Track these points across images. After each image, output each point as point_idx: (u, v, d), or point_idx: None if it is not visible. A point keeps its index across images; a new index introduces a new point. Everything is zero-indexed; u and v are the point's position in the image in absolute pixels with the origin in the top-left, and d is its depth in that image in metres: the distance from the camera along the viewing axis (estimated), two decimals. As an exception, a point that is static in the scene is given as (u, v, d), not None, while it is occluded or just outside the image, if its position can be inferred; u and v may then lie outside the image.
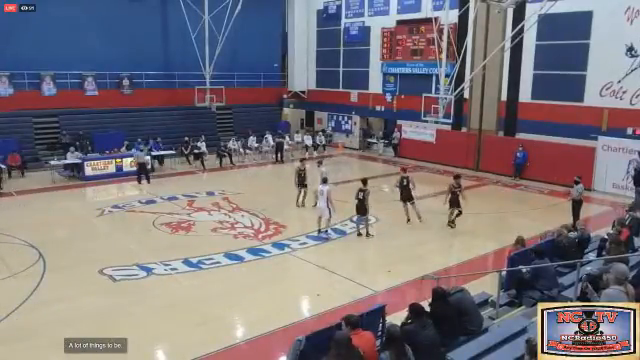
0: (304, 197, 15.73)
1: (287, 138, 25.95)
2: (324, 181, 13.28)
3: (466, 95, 21.64)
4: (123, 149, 21.34)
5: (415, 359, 5.09)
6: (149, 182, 18.89)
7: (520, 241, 9.45)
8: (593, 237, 10.34)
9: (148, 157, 19.99)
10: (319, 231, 13.15)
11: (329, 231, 13.31)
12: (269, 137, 25.07)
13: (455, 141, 22.64)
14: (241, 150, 23.84)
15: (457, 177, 13.92)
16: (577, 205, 13.51)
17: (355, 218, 13.37)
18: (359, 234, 13.19)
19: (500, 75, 20.72)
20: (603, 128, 18.03)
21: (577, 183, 13.70)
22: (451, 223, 13.68)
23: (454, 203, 13.49)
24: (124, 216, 14.98)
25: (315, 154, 25.35)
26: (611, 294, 5.33)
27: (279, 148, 23.98)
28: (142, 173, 18.97)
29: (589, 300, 5.93)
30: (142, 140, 21.59)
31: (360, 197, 12.76)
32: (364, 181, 13.22)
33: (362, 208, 12.82)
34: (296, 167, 15.99)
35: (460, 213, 13.60)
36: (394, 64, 25.22)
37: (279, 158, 23.84)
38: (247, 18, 24.89)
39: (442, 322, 5.84)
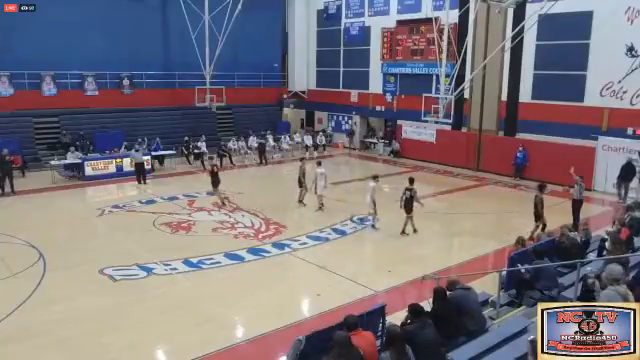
0: (303, 196, 15.90)
1: (287, 138, 25.96)
2: (374, 178, 13.80)
3: (466, 95, 21.65)
4: (122, 149, 21.34)
5: (415, 359, 5.09)
6: (144, 182, 18.91)
7: (520, 241, 9.46)
8: (593, 237, 10.35)
9: (146, 157, 20.01)
10: (372, 226, 13.68)
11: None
12: (269, 137, 25.04)
13: (455, 141, 22.64)
14: (242, 150, 23.79)
15: (543, 187, 12.72)
16: (577, 205, 13.49)
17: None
18: (403, 232, 13.26)
19: (500, 75, 20.72)
20: (603, 128, 18.04)
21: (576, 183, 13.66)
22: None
23: (538, 217, 12.42)
24: (124, 216, 14.97)
25: (315, 154, 25.36)
26: (608, 295, 5.34)
27: (262, 150, 23.38)
28: (139, 173, 19.02)
29: (594, 298, 5.92)
30: (141, 140, 21.61)
31: (408, 196, 12.98)
32: (411, 180, 13.36)
33: (408, 207, 13.02)
34: (299, 167, 16.21)
35: (545, 226, 12.44)
36: (394, 64, 25.21)
37: (263, 160, 23.18)
38: (247, 18, 24.87)
39: (442, 322, 5.84)
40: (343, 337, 4.92)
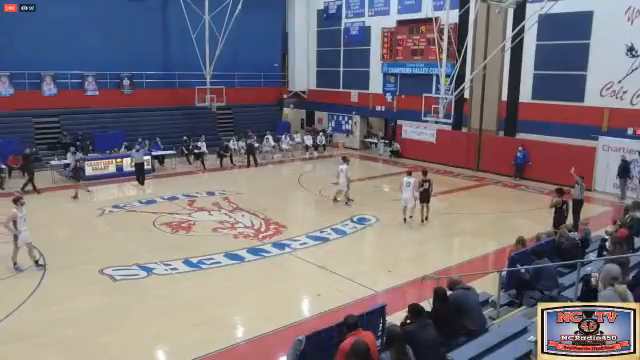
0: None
1: (287, 138, 25.94)
2: (409, 174, 14.30)
3: (466, 95, 21.64)
4: (122, 150, 21.32)
5: (415, 359, 5.09)
6: (142, 183, 18.82)
7: (521, 241, 9.44)
8: (593, 237, 10.35)
9: (147, 157, 20.00)
10: (405, 220, 13.98)
11: (412, 218, 14.04)
12: (269, 137, 25.06)
13: (455, 141, 22.64)
14: (242, 150, 23.77)
15: (560, 192, 12.27)
16: (578, 205, 13.48)
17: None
18: (423, 221, 14.08)
19: (500, 75, 20.72)
20: (603, 128, 18.03)
21: (577, 184, 13.70)
22: None
23: (560, 222, 11.70)
24: (124, 216, 14.97)
25: (315, 154, 25.39)
26: (606, 295, 5.35)
27: (250, 151, 22.71)
28: (139, 173, 19.03)
29: (596, 297, 5.92)
30: (141, 141, 21.58)
31: (426, 187, 13.80)
32: (425, 172, 14.34)
33: (427, 197, 13.79)
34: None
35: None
36: (394, 64, 25.21)
37: (252, 162, 22.61)
38: (247, 18, 24.90)
39: (442, 322, 5.84)
40: (363, 347, 4.83)
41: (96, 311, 8.88)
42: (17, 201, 10.43)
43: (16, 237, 10.28)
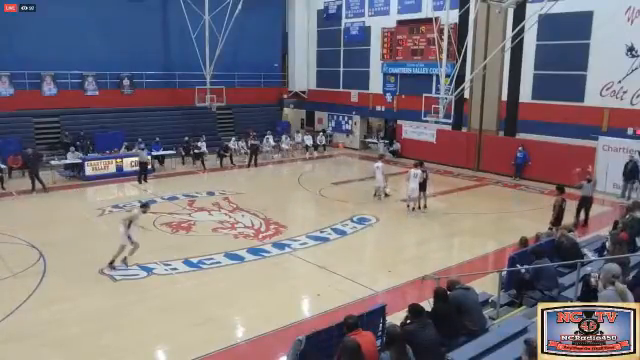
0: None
1: (287, 138, 25.95)
2: (415, 166, 15.27)
3: (466, 95, 21.63)
4: (123, 150, 21.33)
5: (415, 359, 5.09)
6: (145, 181, 19.02)
7: (523, 242, 9.42)
8: (593, 237, 10.35)
9: (149, 157, 20.06)
10: (413, 209, 15.10)
11: (418, 208, 15.23)
12: (270, 137, 25.05)
13: (455, 141, 22.64)
14: (242, 150, 23.75)
15: (561, 189, 12.46)
16: (585, 202, 13.43)
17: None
18: (425, 208, 15.32)
19: (500, 75, 20.71)
20: (603, 128, 18.03)
21: (589, 181, 13.74)
22: None
23: (559, 222, 11.91)
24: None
25: (316, 154, 25.38)
26: (607, 295, 5.35)
27: (253, 151, 22.59)
28: (142, 172, 19.09)
29: (596, 297, 5.92)
30: (141, 141, 21.59)
31: (424, 177, 15.01)
32: (422, 163, 15.55)
33: (424, 186, 15.03)
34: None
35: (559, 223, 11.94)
36: (394, 64, 25.21)
37: (253, 162, 22.51)
38: (247, 18, 24.91)
39: (442, 322, 5.84)
40: (353, 344, 4.88)
41: (96, 311, 8.88)
42: (144, 207, 11.19)
43: (130, 236, 10.63)
